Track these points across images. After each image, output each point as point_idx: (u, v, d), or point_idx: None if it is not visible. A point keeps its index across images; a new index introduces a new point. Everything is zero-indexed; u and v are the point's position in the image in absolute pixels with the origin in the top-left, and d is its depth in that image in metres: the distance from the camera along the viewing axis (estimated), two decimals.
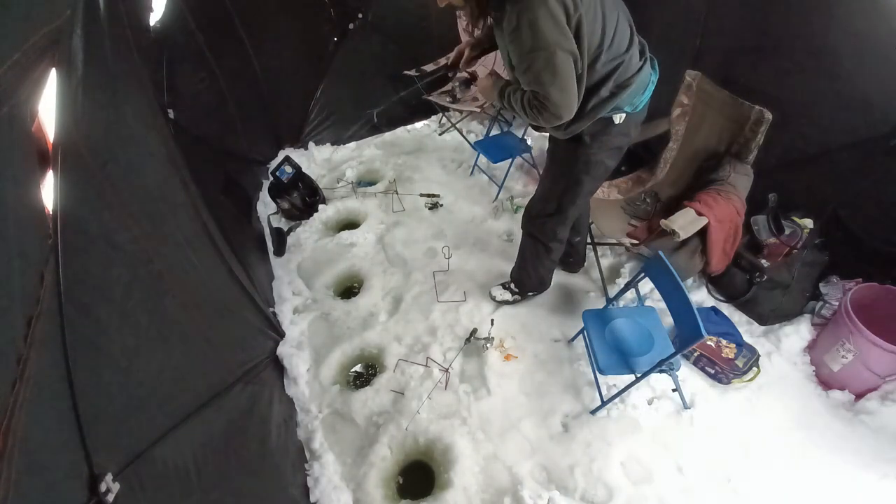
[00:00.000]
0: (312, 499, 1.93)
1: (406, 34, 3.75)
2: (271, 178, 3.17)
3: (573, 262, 2.71)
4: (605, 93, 1.70)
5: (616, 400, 2.08)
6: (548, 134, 1.99)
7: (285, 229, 3.14)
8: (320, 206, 3.26)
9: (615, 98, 1.71)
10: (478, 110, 3.70)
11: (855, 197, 2.26)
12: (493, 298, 2.60)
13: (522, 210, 2.60)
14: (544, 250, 2.31)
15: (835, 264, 2.42)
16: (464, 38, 3.66)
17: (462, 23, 3.60)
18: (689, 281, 2.59)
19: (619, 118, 1.80)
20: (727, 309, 2.49)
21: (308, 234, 3.12)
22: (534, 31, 1.43)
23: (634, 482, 1.94)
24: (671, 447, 2.03)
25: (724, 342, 2.25)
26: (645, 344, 2.00)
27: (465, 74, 1.97)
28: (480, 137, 3.69)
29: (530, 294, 2.59)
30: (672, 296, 1.85)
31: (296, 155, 3.58)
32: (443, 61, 3.79)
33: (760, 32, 2.28)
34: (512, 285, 2.57)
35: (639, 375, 1.94)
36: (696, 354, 2.25)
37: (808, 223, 2.38)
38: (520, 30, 1.46)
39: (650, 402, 2.15)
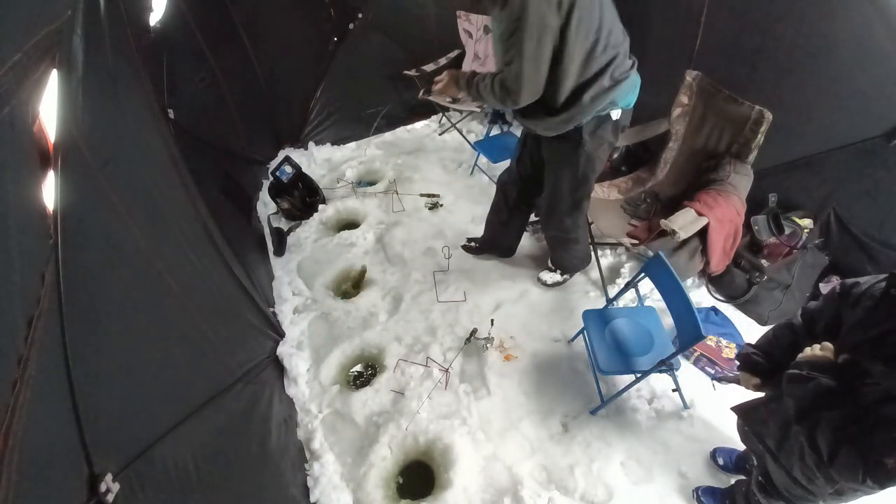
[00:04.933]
0: (312, 499, 1.93)
1: (406, 34, 3.75)
2: (271, 178, 3.17)
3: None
4: (606, 82, 1.79)
5: (616, 400, 2.09)
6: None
7: (285, 229, 3.14)
8: (320, 206, 3.27)
9: (613, 90, 1.81)
10: (478, 110, 3.71)
11: (855, 197, 2.26)
12: (545, 283, 2.66)
13: None
14: (572, 241, 2.44)
15: (835, 264, 2.42)
16: (463, 38, 3.67)
17: (462, 23, 3.61)
18: (689, 281, 2.59)
19: (616, 114, 1.90)
20: (727, 309, 2.49)
21: (308, 234, 3.12)
22: (524, 2, 1.54)
23: (634, 482, 1.94)
24: (671, 447, 2.03)
25: (724, 342, 2.25)
26: (645, 344, 2.00)
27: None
28: (480, 137, 3.69)
29: (578, 271, 2.70)
30: (672, 296, 1.86)
31: (296, 155, 3.58)
32: (443, 61, 3.79)
33: (760, 32, 2.27)
34: (558, 271, 2.66)
35: (639, 375, 1.94)
36: (696, 354, 2.25)
37: (808, 223, 2.38)
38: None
39: (650, 402, 2.15)
